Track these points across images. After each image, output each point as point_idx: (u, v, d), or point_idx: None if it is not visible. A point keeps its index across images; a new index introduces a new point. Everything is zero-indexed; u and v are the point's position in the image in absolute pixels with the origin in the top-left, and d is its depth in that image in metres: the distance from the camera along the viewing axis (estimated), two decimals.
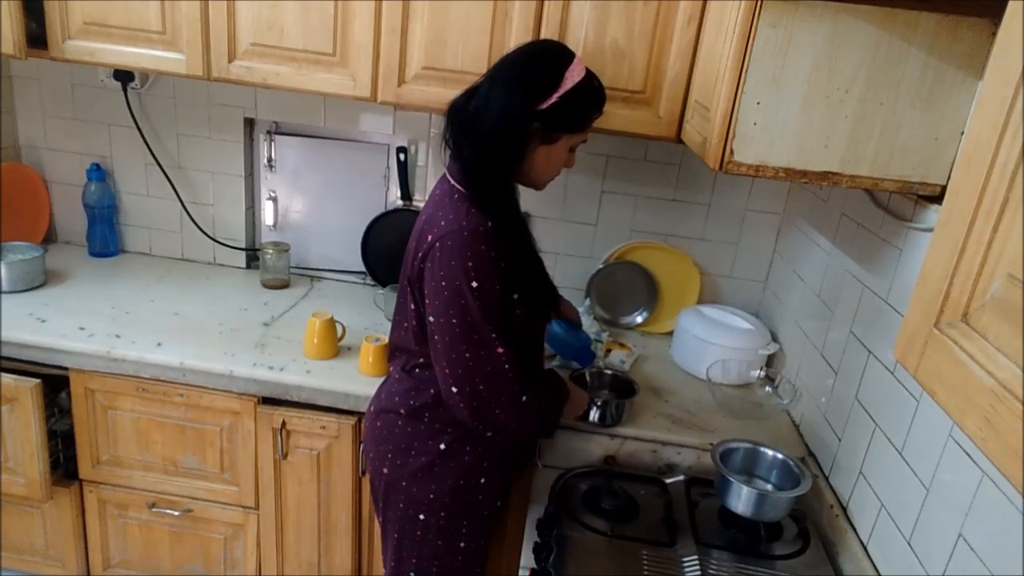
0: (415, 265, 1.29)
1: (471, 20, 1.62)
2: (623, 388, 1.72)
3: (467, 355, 1.24)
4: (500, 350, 1.24)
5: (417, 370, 1.39)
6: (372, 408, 1.48)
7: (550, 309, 1.46)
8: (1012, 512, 0.94)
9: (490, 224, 1.23)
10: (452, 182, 1.31)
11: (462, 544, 1.43)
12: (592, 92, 1.29)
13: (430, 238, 1.25)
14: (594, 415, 1.62)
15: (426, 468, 1.37)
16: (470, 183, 1.27)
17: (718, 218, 2.11)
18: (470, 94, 1.30)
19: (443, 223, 1.24)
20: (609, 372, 1.77)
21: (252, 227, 2.31)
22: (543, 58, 1.27)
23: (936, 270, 0.60)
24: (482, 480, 1.40)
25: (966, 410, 0.53)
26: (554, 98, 1.23)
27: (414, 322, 1.36)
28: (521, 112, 1.23)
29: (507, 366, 1.25)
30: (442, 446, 1.37)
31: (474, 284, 1.21)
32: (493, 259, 1.22)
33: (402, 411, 1.39)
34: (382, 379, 1.56)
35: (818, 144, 1.16)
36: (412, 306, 1.35)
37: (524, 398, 1.28)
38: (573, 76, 1.24)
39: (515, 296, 1.29)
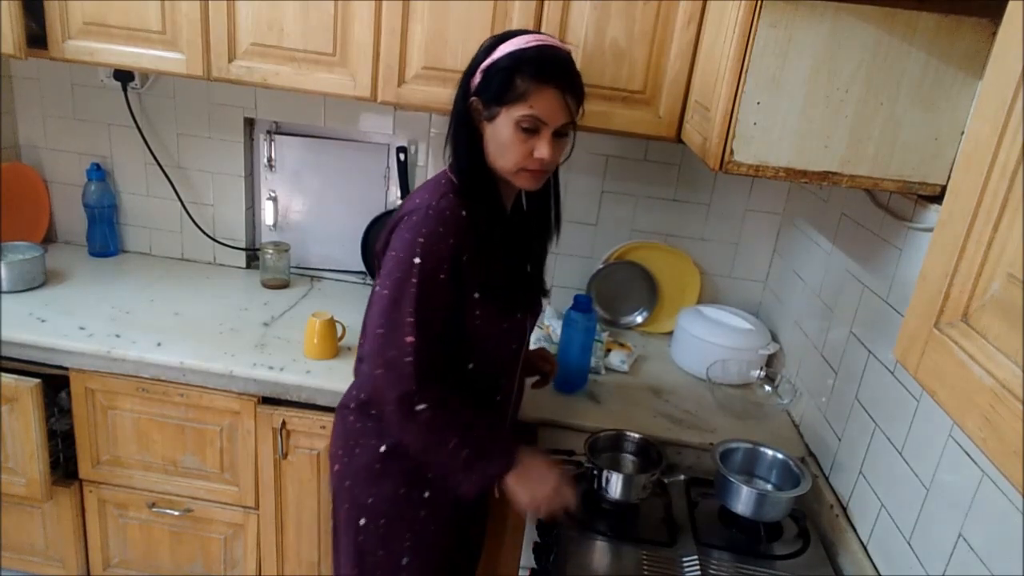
0: (384, 239, 1.26)
1: (471, 20, 1.62)
2: (645, 454, 1.52)
3: (380, 331, 1.16)
4: (409, 339, 1.14)
5: None
6: (341, 400, 1.44)
7: (521, 318, 1.32)
8: (1012, 512, 0.94)
9: (463, 213, 1.19)
10: (446, 170, 1.29)
11: (405, 560, 1.33)
12: (524, 58, 1.17)
13: (401, 211, 1.24)
14: (616, 488, 1.39)
15: (367, 469, 1.31)
16: (453, 168, 1.26)
17: (718, 218, 2.11)
18: None
19: (417, 200, 1.22)
20: (636, 435, 1.53)
21: (252, 227, 2.31)
22: (488, 41, 1.24)
23: (936, 270, 0.60)
24: (425, 494, 1.31)
25: (966, 410, 0.53)
26: (480, 68, 1.20)
27: None
28: (461, 89, 1.23)
29: (409, 359, 1.14)
30: (383, 448, 1.29)
31: (416, 260, 1.15)
32: (450, 245, 1.17)
33: (352, 405, 1.35)
34: None
35: (818, 144, 1.16)
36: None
37: (419, 407, 1.15)
38: (506, 47, 1.18)
39: (476, 295, 1.22)
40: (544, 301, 1.45)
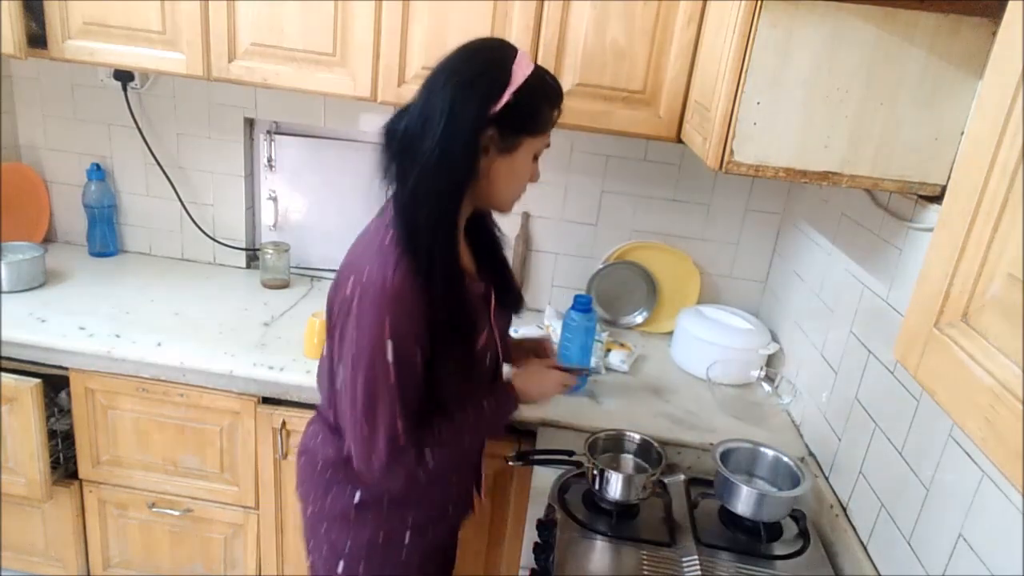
0: (333, 320, 1.16)
1: (471, 20, 1.62)
2: (645, 454, 1.51)
3: (364, 433, 1.10)
4: (397, 437, 1.10)
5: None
6: (301, 439, 1.38)
7: (489, 334, 1.27)
8: (1012, 512, 0.94)
9: (423, 283, 1.07)
10: (388, 218, 1.13)
11: None
12: (547, 85, 1.14)
13: (348, 289, 1.10)
14: (616, 488, 1.39)
15: (343, 516, 1.26)
16: (404, 219, 1.09)
17: (718, 218, 2.11)
18: (404, 112, 1.15)
19: (366, 271, 1.08)
20: (636, 435, 1.53)
21: (252, 227, 2.31)
22: (484, 55, 1.11)
23: (936, 270, 0.60)
24: (405, 539, 1.28)
25: (966, 410, 0.53)
26: (506, 96, 1.07)
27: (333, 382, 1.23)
28: (472, 119, 1.06)
29: (400, 447, 1.11)
30: (357, 498, 1.24)
31: (390, 359, 1.06)
32: (417, 333, 1.09)
33: (320, 458, 1.28)
34: None
35: (818, 144, 1.16)
36: (331, 360, 1.20)
37: (425, 463, 1.15)
38: (522, 70, 1.09)
39: (447, 354, 1.15)
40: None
